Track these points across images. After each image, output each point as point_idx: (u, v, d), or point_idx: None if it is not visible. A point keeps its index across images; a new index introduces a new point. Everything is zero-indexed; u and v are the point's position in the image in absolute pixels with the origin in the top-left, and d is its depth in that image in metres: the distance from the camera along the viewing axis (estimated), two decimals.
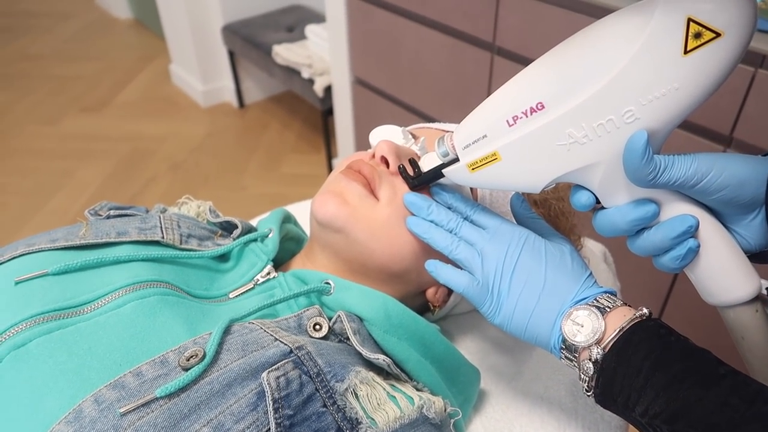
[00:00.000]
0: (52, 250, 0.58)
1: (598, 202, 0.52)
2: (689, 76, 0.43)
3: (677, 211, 0.48)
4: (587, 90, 0.46)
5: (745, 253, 0.49)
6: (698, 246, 0.48)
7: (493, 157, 0.52)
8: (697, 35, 0.42)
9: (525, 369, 0.71)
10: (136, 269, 0.56)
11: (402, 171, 0.61)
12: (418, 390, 0.57)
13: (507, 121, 0.50)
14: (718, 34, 0.41)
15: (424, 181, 0.60)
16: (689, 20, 0.41)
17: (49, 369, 0.47)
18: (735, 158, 0.46)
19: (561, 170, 0.50)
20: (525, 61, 1.36)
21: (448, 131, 0.71)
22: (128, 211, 0.68)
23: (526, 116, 0.49)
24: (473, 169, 0.53)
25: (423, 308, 0.70)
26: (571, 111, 0.47)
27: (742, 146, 1.10)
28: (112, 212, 0.67)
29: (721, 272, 0.48)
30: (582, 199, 0.51)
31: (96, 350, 0.49)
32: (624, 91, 0.45)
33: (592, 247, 0.91)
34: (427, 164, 0.60)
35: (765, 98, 1.03)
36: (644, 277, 1.36)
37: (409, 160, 0.62)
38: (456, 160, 0.55)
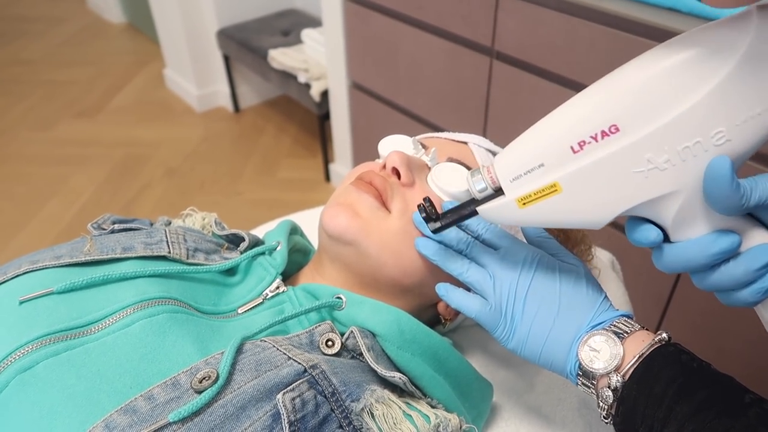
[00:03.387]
0: (57, 267, 0.56)
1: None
2: None
3: (756, 240, 0.44)
4: (674, 109, 0.41)
5: None
6: None
7: (552, 189, 0.45)
8: None
9: (537, 381, 0.71)
10: (144, 286, 0.55)
11: (422, 211, 0.53)
12: (432, 407, 0.56)
13: (571, 147, 0.44)
14: None
15: (451, 224, 0.52)
16: None
17: (57, 393, 0.45)
18: None
19: (634, 201, 0.44)
20: (524, 66, 1.35)
21: (459, 141, 0.70)
22: (132, 225, 0.66)
23: (596, 141, 0.43)
24: (524, 203, 0.47)
25: (434, 320, 0.69)
26: (652, 133, 0.41)
27: None
28: (116, 226, 0.65)
29: None
30: (651, 235, 0.45)
31: (105, 372, 0.47)
32: (717, 109, 0.40)
33: (600, 256, 0.91)
34: (445, 185, 0.55)
35: None
36: (645, 282, 1.35)
37: (424, 199, 0.53)
38: (494, 195, 0.49)
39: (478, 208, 0.50)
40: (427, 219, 0.53)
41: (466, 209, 0.51)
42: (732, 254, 0.43)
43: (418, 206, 0.53)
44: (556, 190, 0.45)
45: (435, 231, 0.53)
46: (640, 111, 0.42)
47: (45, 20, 4.05)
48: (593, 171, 0.44)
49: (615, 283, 0.86)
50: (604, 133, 0.43)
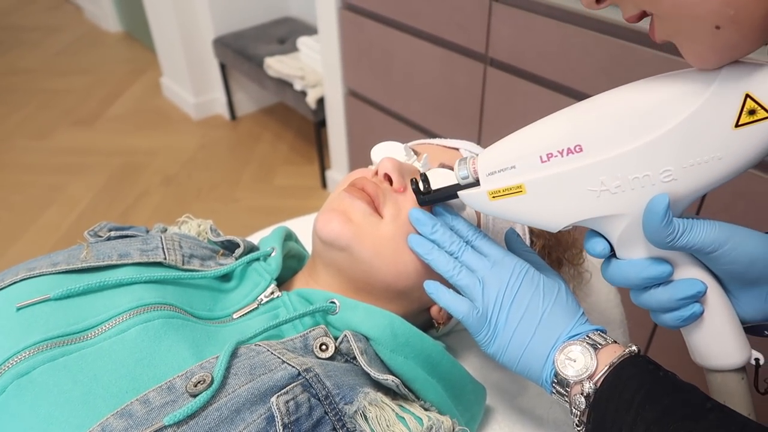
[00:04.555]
0: (54, 274, 0.57)
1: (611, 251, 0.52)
2: (734, 149, 0.43)
3: (688, 274, 0.49)
4: (631, 142, 0.46)
5: (741, 322, 0.50)
6: (702, 311, 0.49)
7: (518, 190, 0.51)
8: (752, 112, 0.42)
9: (529, 384, 0.71)
10: (139, 292, 0.56)
11: (414, 184, 0.59)
12: (425, 409, 0.56)
13: (540, 157, 0.49)
14: None
15: (435, 199, 0.58)
16: (747, 96, 0.42)
17: (54, 398, 0.46)
18: (752, 235, 0.46)
19: (585, 215, 0.50)
20: (518, 72, 1.36)
21: (450, 147, 0.71)
22: (129, 232, 0.67)
23: (562, 156, 0.48)
24: (493, 197, 0.53)
25: (427, 324, 0.69)
26: (609, 159, 0.47)
27: None
28: (112, 233, 0.66)
29: (717, 338, 0.50)
30: (597, 248, 0.52)
31: (101, 377, 0.48)
32: (668, 150, 0.45)
33: (593, 259, 0.91)
34: (438, 182, 0.59)
35: None
36: None
37: (421, 175, 0.59)
38: (474, 184, 0.54)
39: (458, 192, 0.55)
40: (417, 191, 0.59)
41: (450, 190, 0.57)
42: (663, 281, 0.50)
43: (411, 180, 0.59)
44: (521, 191, 0.51)
45: (421, 203, 0.59)
46: (602, 138, 0.47)
47: (42, 29, 4.06)
48: (554, 181, 0.49)
49: (608, 287, 0.87)
50: (569, 150, 0.48)
